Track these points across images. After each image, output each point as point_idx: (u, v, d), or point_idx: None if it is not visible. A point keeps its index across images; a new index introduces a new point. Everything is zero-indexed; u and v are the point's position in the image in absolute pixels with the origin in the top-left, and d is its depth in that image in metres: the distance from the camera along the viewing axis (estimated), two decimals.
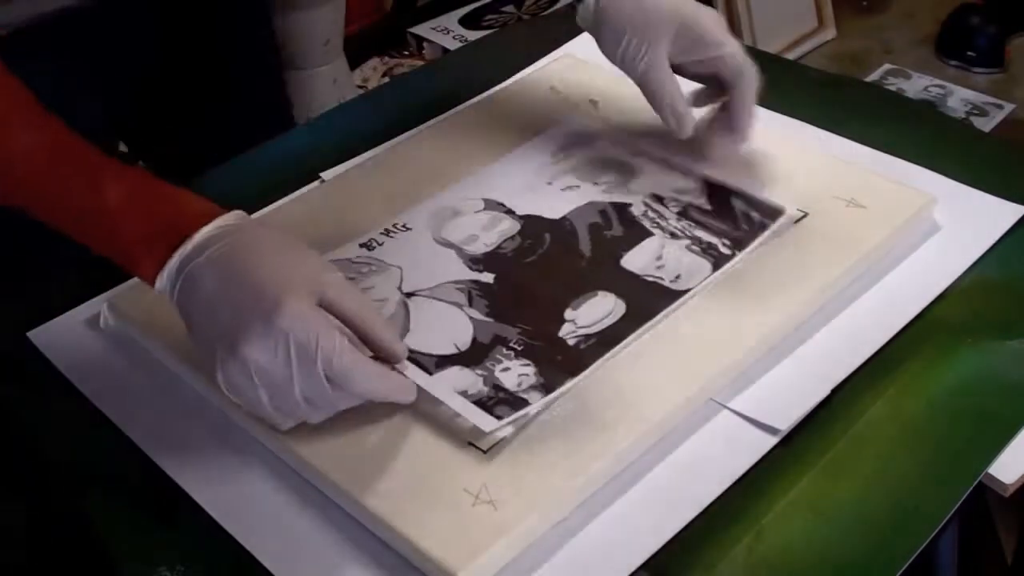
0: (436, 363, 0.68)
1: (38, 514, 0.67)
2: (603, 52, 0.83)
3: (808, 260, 0.74)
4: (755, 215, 0.78)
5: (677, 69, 0.80)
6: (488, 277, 0.75)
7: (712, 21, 0.79)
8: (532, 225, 0.79)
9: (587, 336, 0.70)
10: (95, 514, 0.65)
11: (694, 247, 0.76)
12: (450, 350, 0.69)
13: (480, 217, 0.81)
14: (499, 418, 0.64)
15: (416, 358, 0.68)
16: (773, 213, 0.78)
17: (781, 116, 0.92)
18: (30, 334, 0.76)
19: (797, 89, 0.98)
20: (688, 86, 0.82)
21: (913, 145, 0.87)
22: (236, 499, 0.64)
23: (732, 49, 0.78)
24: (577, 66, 0.99)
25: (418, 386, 0.65)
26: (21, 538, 0.66)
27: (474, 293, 0.74)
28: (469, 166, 0.86)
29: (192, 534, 0.63)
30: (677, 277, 0.74)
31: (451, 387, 0.66)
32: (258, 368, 0.58)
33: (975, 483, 0.62)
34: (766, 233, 0.76)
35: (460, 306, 0.73)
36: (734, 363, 0.68)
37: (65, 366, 0.74)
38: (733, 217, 0.78)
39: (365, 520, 0.61)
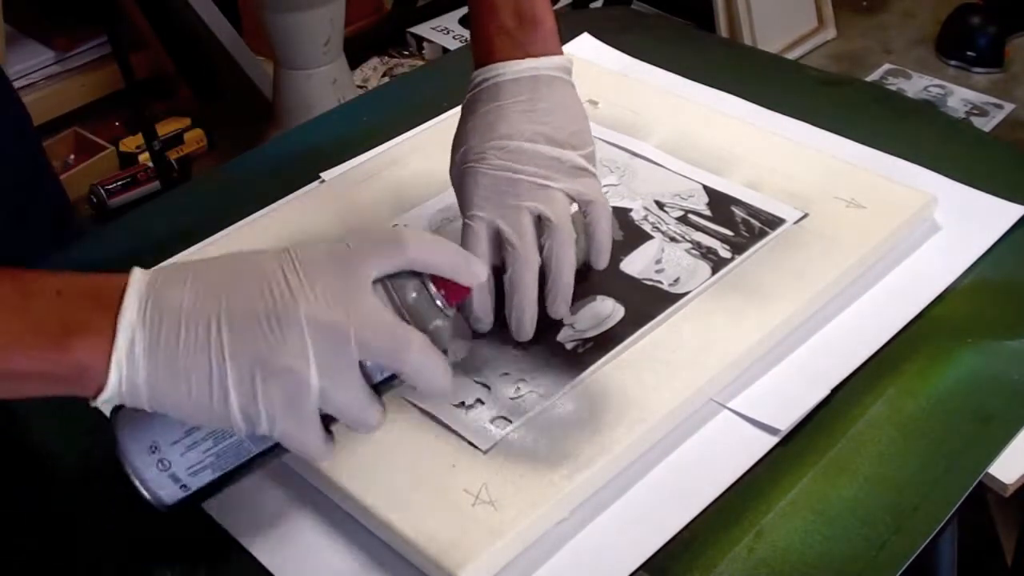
0: None
1: (38, 514, 0.67)
2: None
3: (808, 260, 0.74)
4: (755, 223, 0.78)
5: None
6: None
7: None
8: None
9: (585, 340, 0.70)
10: (95, 514, 0.65)
11: (694, 251, 0.76)
12: (448, 357, 0.69)
13: None
14: (496, 431, 0.64)
15: None
16: (773, 222, 0.78)
17: (781, 116, 0.92)
18: None
19: (797, 89, 0.99)
20: None
21: (913, 145, 0.87)
22: (235, 498, 0.64)
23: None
24: (577, 66, 0.99)
25: (415, 404, 0.66)
26: (21, 537, 0.66)
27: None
28: None
29: (192, 534, 0.63)
30: (676, 280, 0.73)
31: (448, 401, 0.66)
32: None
33: (975, 483, 0.62)
34: (765, 240, 0.76)
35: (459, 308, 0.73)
36: (734, 363, 0.68)
37: None
38: (733, 223, 0.78)
39: (365, 520, 0.61)
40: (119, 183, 2.12)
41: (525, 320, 0.66)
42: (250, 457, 0.53)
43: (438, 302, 0.52)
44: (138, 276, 0.49)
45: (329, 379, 0.49)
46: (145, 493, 0.52)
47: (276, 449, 0.53)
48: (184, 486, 0.52)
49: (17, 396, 0.50)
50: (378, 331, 0.49)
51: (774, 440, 0.65)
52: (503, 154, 0.67)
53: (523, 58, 0.69)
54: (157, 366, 0.48)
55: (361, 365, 0.50)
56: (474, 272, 0.54)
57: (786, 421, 0.65)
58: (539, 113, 0.68)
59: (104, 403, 0.49)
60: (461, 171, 0.68)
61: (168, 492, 0.52)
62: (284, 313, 0.48)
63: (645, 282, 0.74)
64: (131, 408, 0.50)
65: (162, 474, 0.51)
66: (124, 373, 0.47)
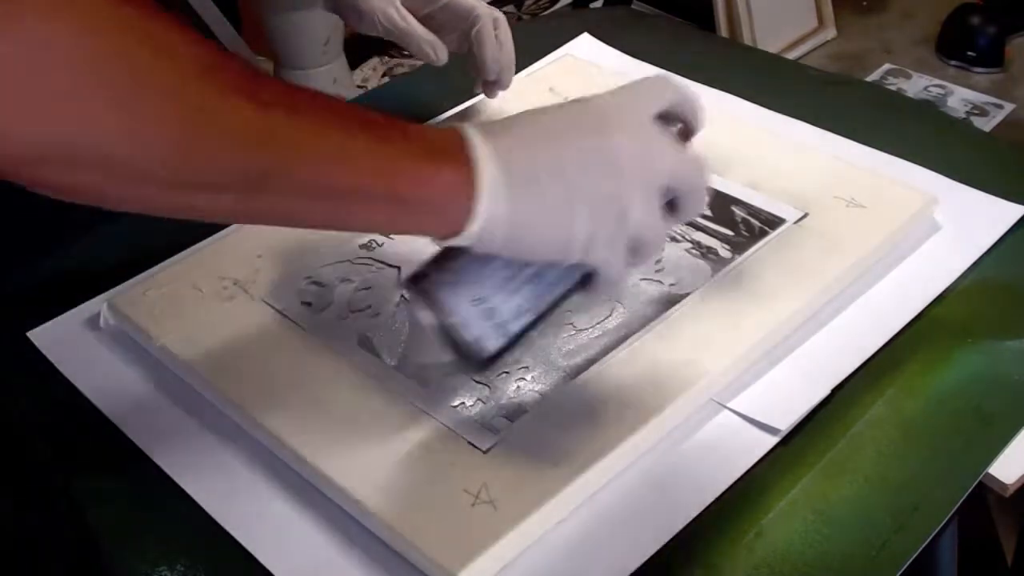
0: (434, 374, 0.68)
1: (38, 514, 0.67)
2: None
3: (808, 260, 0.74)
4: (755, 222, 0.78)
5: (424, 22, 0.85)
6: None
7: None
8: None
9: (586, 339, 0.70)
10: (95, 514, 0.65)
11: (694, 251, 0.76)
12: (448, 356, 0.69)
13: None
14: (496, 431, 0.64)
15: (414, 371, 0.68)
16: (773, 222, 0.78)
17: (781, 116, 0.92)
18: (30, 334, 0.76)
19: (797, 89, 0.99)
20: None
21: (913, 145, 0.87)
22: (236, 498, 0.64)
23: None
24: (577, 66, 0.99)
25: (415, 404, 0.66)
26: (21, 537, 0.66)
27: None
28: None
29: (192, 534, 0.63)
30: (676, 280, 0.73)
31: (448, 401, 0.66)
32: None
33: (975, 483, 0.62)
34: (765, 239, 0.76)
35: None
36: (734, 363, 0.68)
37: (65, 366, 0.74)
38: (733, 223, 0.78)
39: (365, 520, 0.61)
40: None
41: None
42: (557, 297, 0.57)
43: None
44: (468, 126, 0.53)
45: (643, 209, 0.54)
46: (473, 346, 0.55)
47: (573, 290, 0.57)
48: (506, 332, 0.55)
49: (372, 227, 0.56)
50: (681, 162, 0.56)
51: (774, 440, 0.65)
52: None
53: None
54: (516, 198, 0.51)
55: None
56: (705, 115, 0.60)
57: (786, 421, 0.65)
58: None
59: (465, 237, 0.52)
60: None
61: (492, 340, 0.55)
62: (607, 151, 0.53)
63: (645, 282, 0.74)
64: (437, 276, 0.54)
65: (487, 324, 0.54)
66: (489, 202, 0.51)
